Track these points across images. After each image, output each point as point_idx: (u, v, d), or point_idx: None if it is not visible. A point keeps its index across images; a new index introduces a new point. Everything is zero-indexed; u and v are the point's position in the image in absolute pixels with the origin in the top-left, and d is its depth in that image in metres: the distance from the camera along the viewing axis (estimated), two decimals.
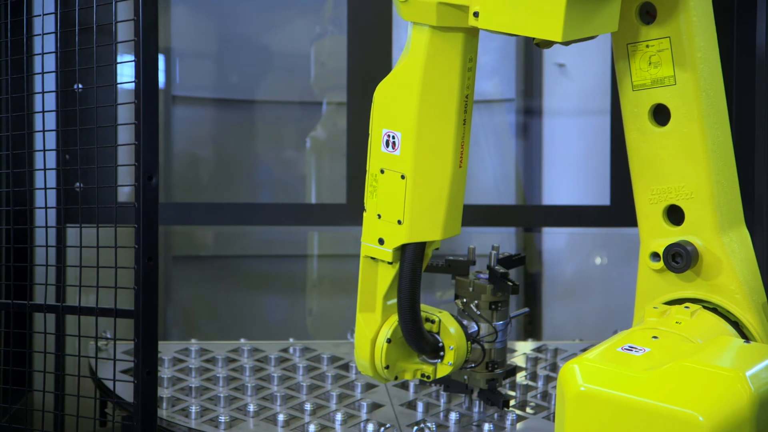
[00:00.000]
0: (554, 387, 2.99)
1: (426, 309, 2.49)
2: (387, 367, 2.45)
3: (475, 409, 2.77)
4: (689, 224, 2.22)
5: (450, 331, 2.47)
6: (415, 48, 2.23)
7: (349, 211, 3.49)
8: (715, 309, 2.20)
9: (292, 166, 4.22)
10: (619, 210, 3.55)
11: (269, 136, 4.21)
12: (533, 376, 3.05)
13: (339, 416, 2.74)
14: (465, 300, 2.66)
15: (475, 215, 3.79)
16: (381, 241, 2.35)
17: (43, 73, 2.62)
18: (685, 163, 2.19)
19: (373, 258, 2.39)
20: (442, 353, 2.48)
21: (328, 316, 4.19)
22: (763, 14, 3.13)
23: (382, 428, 2.66)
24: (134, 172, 2.45)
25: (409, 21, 2.22)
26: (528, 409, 2.85)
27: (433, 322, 2.48)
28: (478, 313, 2.63)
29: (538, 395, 2.93)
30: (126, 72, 2.52)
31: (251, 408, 2.77)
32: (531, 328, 4.16)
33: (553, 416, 2.85)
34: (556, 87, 4.10)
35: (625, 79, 2.22)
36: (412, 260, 2.35)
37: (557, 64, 4.05)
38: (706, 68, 2.17)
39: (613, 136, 3.58)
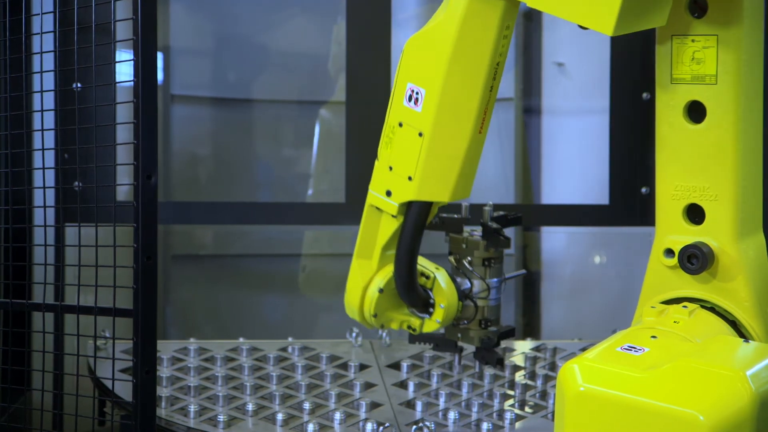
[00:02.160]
0: (553, 386, 2.99)
1: (423, 263, 2.47)
2: (375, 315, 2.43)
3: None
4: (708, 226, 2.18)
5: (442, 288, 2.46)
6: (453, 7, 2.17)
7: (349, 210, 3.49)
8: (713, 308, 2.20)
9: (291, 165, 4.22)
10: (619, 209, 3.55)
11: (268, 135, 4.21)
12: (532, 376, 3.04)
13: (338, 415, 2.73)
14: (458, 257, 2.63)
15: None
16: (389, 193, 2.34)
17: (42, 72, 2.61)
18: (714, 165, 2.15)
19: (378, 208, 2.38)
20: (431, 309, 2.47)
21: (327, 315, 4.19)
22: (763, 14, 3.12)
23: (381, 427, 2.66)
24: (133, 171, 2.45)
25: None
26: (527, 408, 2.85)
27: (428, 277, 2.47)
28: (471, 269, 2.60)
29: (537, 394, 2.93)
30: (125, 71, 2.51)
31: (250, 407, 2.77)
32: (530, 328, 4.16)
33: (552, 416, 2.85)
34: (556, 86, 4.10)
35: (664, 69, 2.16)
36: (417, 217, 2.33)
37: (556, 64, 4.05)
38: (749, 72, 2.12)
39: (612, 135, 3.58)
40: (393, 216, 2.36)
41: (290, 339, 3.26)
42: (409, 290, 2.43)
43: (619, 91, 3.57)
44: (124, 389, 2.68)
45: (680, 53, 2.15)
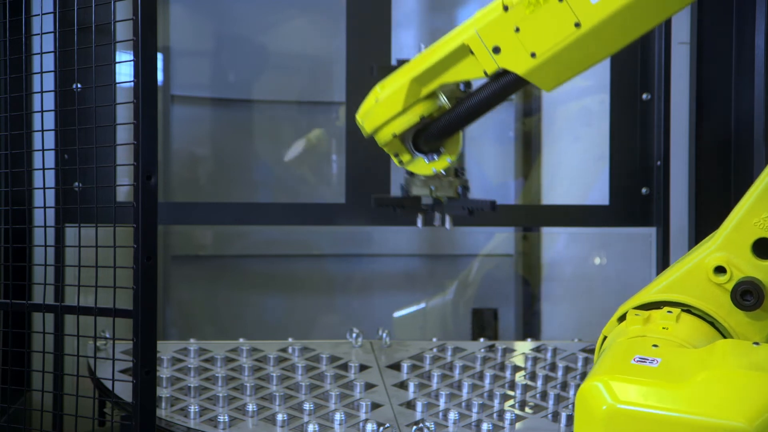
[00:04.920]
0: (553, 387, 2.99)
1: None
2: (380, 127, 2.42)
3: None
4: None
5: (457, 141, 2.47)
6: None
7: (348, 210, 3.49)
8: (689, 310, 2.15)
9: (291, 165, 4.22)
10: (619, 210, 3.55)
11: (268, 136, 4.21)
12: (532, 376, 3.04)
13: (338, 416, 2.73)
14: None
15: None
16: (496, 50, 2.21)
17: (42, 72, 2.62)
18: None
19: (472, 51, 2.25)
20: (436, 157, 2.48)
21: (327, 316, 4.19)
22: (762, 14, 3.13)
23: (381, 428, 2.66)
24: (133, 172, 2.45)
25: None
26: (527, 409, 2.85)
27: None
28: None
29: (537, 395, 2.93)
30: (125, 71, 2.52)
31: (250, 408, 2.77)
32: (530, 328, 4.16)
33: (552, 416, 2.85)
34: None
35: None
36: (504, 89, 2.27)
37: None
38: None
39: (612, 135, 3.58)
40: (485, 72, 2.23)
41: (290, 339, 3.26)
42: (444, 134, 2.41)
43: (619, 91, 3.57)
44: (124, 390, 2.69)
45: None
